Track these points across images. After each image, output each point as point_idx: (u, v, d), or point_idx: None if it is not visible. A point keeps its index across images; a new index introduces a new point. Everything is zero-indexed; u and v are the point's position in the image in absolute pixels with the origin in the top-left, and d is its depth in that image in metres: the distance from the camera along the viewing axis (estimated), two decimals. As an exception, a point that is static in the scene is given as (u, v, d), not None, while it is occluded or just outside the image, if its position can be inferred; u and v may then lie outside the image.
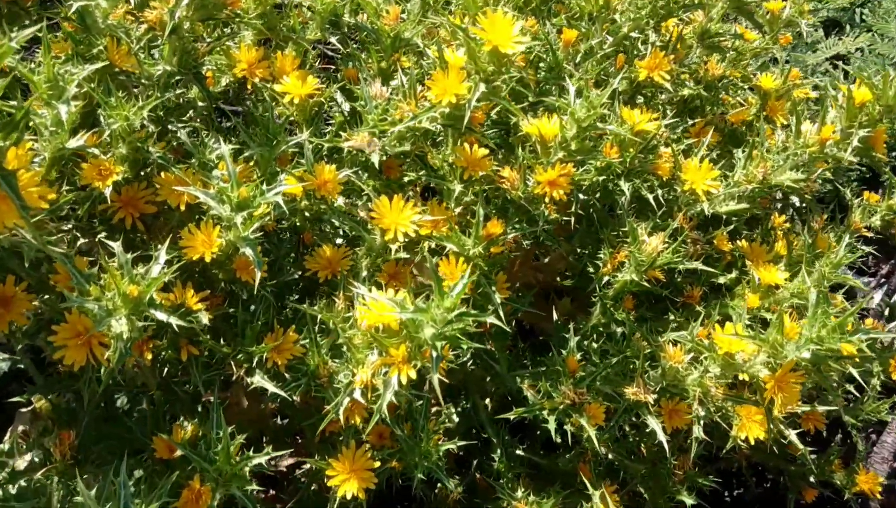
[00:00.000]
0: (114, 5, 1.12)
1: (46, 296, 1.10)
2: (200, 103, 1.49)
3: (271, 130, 1.25)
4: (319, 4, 1.46)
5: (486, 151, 1.44)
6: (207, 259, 1.16)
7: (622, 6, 1.74)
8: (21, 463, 1.44)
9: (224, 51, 1.43)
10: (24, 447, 1.44)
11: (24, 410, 1.68)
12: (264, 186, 1.10)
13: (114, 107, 1.07)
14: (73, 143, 1.05)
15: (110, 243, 0.98)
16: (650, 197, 1.55)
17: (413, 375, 1.04)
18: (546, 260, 2.01)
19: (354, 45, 1.73)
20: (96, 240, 1.29)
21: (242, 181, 1.22)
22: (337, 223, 1.47)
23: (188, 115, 1.51)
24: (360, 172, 1.54)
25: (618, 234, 1.65)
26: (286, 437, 1.58)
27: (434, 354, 0.98)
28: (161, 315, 0.95)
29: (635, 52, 1.87)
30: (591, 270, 1.91)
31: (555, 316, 1.80)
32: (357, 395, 1.14)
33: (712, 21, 1.89)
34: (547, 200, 1.37)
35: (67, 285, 1.09)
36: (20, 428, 1.73)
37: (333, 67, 2.53)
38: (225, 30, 1.39)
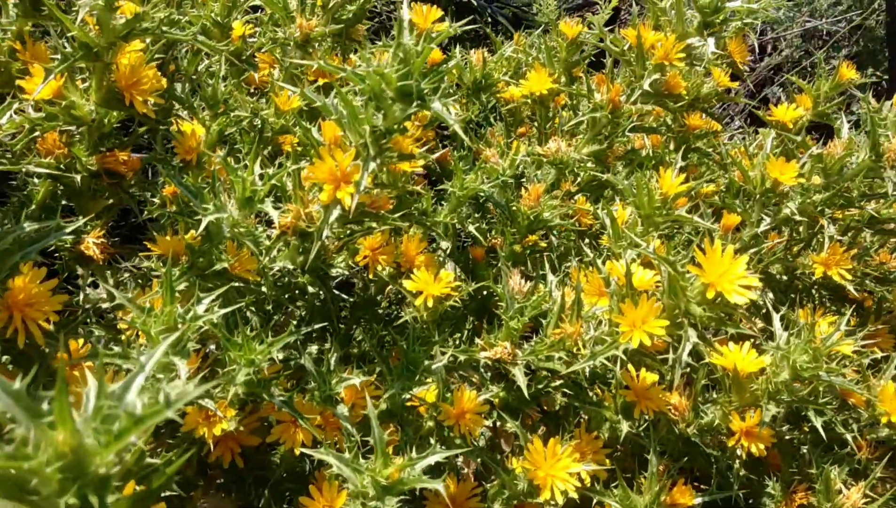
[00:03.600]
0: (245, 216, 0.91)
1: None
2: (311, 290, 1.26)
3: (410, 357, 1.01)
4: (459, 189, 1.26)
5: (657, 378, 1.18)
6: (329, 539, 0.90)
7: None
8: None
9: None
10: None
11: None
12: (413, 454, 0.85)
13: (237, 346, 0.84)
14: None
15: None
16: (849, 437, 1.25)
17: None
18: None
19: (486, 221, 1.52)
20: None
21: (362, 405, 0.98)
22: (463, 450, 1.20)
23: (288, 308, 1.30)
24: (482, 376, 1.29)
25: (795, 470, 1.35)
26: None
27: None
28: None
29: (794, 238, 1.63)
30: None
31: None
32: None
33: (885, 206, 1.64)
34: (742, 453, 1.09)
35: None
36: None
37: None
38: (356, 227, 1.18)
